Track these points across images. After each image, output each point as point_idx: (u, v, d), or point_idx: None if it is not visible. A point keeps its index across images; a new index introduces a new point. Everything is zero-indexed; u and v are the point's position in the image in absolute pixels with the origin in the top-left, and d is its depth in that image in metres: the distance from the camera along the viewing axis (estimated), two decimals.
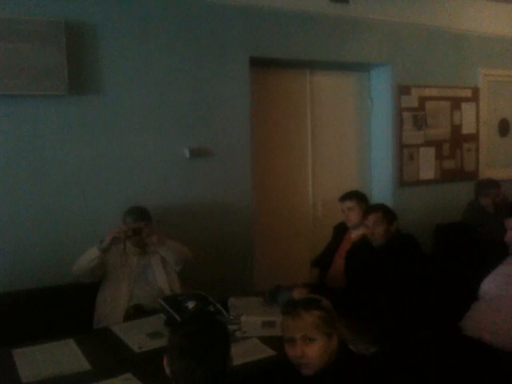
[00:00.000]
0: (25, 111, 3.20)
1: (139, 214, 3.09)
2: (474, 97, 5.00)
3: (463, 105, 4.92)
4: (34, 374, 2.13)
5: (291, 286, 2.99)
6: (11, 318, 2.84)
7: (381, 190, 4.67)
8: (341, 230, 3.56)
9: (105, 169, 3.43)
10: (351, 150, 4.71)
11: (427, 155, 4.73)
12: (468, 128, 4.97)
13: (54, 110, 3.27)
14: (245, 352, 2.26)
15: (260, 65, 4.00)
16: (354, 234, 3.43)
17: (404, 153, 4.62)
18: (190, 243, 3.31)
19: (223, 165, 3.81)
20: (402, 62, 4.56)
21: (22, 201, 3.22)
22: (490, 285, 2.79)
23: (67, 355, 2.31)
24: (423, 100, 4.68)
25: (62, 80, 3.18)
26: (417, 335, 2.54)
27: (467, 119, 4.96)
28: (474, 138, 5.03)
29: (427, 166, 4.74)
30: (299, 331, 1.79)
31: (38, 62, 3.13)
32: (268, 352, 2.30)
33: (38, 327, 2.69)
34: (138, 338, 2.49)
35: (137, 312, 2.92)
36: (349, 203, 3.43)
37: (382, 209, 3.11)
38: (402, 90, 4.57)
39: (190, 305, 2.65)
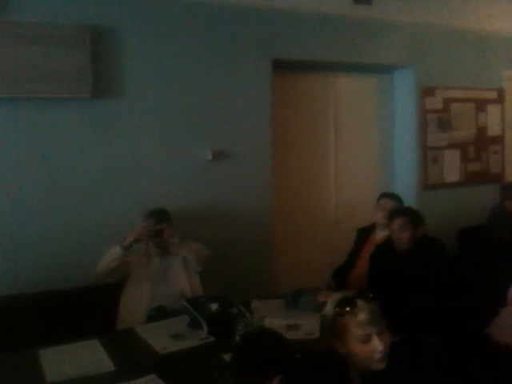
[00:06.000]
0: (48, 114, 3.24)
1: (161, 215, 3.11)
2: (500, 98, 4.92)
3: (488, 106, 4.85)
4: (59, 374, 2.15)
5: (312, 290, 2.97)
6: (38, 320, 2.86)
7: (404, 192, 4.58)
8: (365, 232, 3.54)
9: (127, 171, 3.45)
10: (374, 152, 4.67)
11: (452, 158, 4.67)
12: (493, 130, 4.90)
13: (76, 113, 3.31)
14: None
15: (282, 67, 3.99)
16: (378, 236, 3.40)
17: (428, 155, 4.56)
18: (211, 245, 3.30)
19: (244, 167, 3.81)
20: (425, 63, 4.51)
21: (42, 201, 3.24)
22: None
23: (92, 356, 2.32)
24: (448, 102, 4.62)
25: (86, 83, 3.22)
26: (440, 340, 2.49)
27: (492, 121, 4.89)
28: (499, 140, 4.95)
29: (452, 168, 4.68)
30: (375, 324, 1.64)
31: (63, 65, 3.17)
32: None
33: (63, 328, 2.71)
34: (162, 339, 2.50)
35: (159, 314, 2.93)
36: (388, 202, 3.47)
37: (408, 212, 3.06)
38: (427, 92, 4.52)
39: (213, 307, 2.65)
